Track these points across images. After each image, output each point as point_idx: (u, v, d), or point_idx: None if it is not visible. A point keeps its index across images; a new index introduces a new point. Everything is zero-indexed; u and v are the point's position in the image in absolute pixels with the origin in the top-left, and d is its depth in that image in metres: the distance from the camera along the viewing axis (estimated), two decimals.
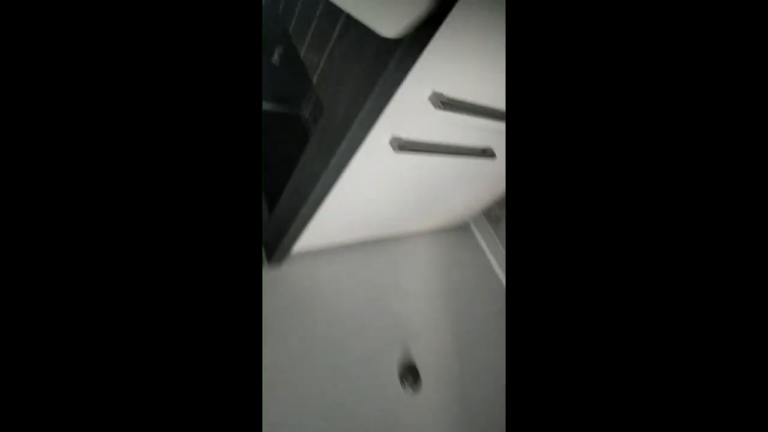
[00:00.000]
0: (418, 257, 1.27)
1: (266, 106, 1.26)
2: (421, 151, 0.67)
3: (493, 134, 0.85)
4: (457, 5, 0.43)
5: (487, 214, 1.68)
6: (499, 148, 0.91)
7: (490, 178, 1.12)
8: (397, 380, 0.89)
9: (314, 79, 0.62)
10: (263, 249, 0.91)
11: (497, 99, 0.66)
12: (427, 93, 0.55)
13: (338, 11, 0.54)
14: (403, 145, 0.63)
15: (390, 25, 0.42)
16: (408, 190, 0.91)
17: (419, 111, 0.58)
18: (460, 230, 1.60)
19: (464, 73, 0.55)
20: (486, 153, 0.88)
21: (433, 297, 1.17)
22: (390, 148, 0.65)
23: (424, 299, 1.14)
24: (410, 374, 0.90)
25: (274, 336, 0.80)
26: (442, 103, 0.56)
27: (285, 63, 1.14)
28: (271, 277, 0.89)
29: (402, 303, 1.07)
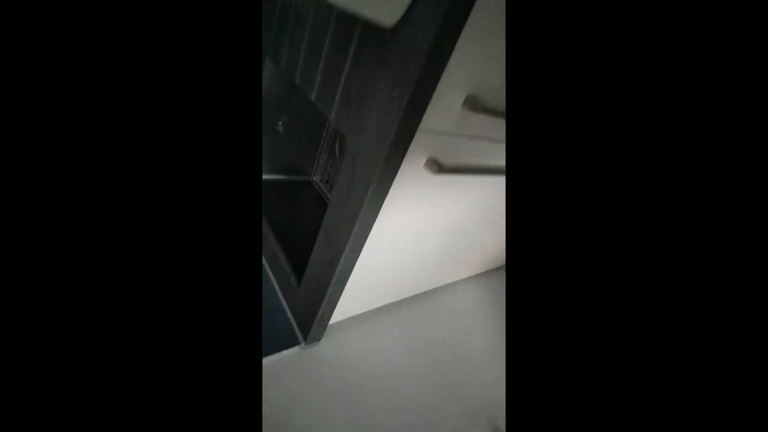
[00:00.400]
0: (466, 306, 1.11)
1: (276, 177, 1.23)
2: (459, 171, 0.59)
3: None
4: None
5: None
6: None
7: None
8: None
9: (332, 115, 0.57)
10: (297, 329, 0.78)
11: None
12: (461, 99, 0.49)
13: (348, 38, 0.51)
14: (442, 166, 0.55)
15: (388, 13, 0.41)
16: (445, 229, 0.82)
17: (454, 120, 0.51)
18: (497, 272, 1.46)
19: (498, 72, 0.49)
20: None
21: (499, 349, 0.99)
22: (428, 172, 0.57)
23: (491, 355, 0.96)
24: None
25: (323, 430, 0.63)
26: (483, 109, 0.49)
27: (289, 131, 1.14)
28: (309, 357, 0.75)
29: (469, 364, 0.90)
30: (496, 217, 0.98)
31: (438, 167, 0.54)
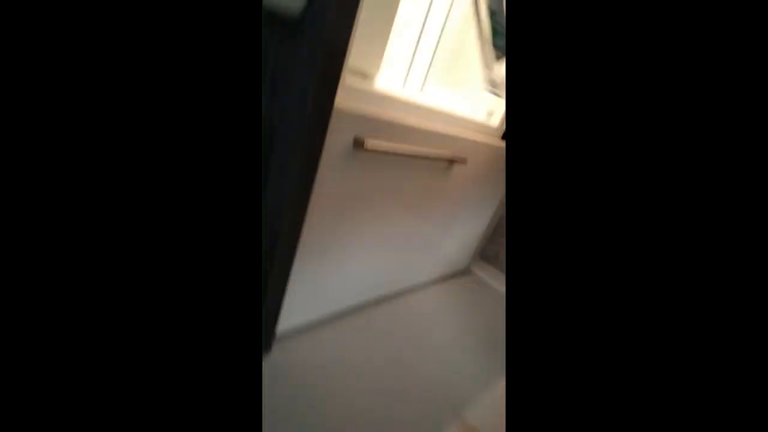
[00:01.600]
0: (430, 310, 1.10)
1: None
2: (385, 151, 0.61)
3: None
4: None
5: (483, 254, 1.58)
6: (472, 154, 0.89)
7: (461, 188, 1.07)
8: None
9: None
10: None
11: None
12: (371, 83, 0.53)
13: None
14: (364, 145, 0.57)
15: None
16: (394, 229, 0.83)
17: (368, 99, 0.54)
18: (461, 275, 1.47)
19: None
20: (457, 160, 0.84)
21: (460, 345, 0.98)
22: (358, 151, 0.59)
23: (452, 350, 0.94)
24: None
25: None
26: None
27: None
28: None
29: (430, 360, 0.87)
30: (450, 219, 1.00)
31: (361, 144, 0.57)
